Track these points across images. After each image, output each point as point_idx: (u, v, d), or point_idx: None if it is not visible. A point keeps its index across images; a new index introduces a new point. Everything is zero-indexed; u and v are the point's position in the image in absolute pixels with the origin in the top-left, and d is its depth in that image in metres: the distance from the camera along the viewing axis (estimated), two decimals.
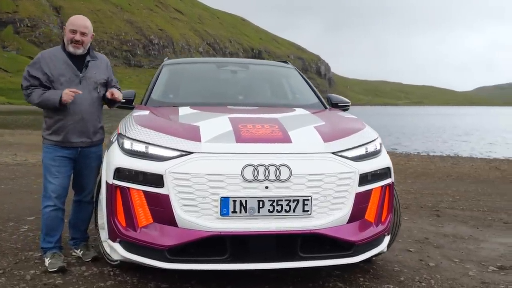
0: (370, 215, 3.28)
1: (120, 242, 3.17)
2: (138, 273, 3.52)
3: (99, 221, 3.88)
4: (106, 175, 3.27)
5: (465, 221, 5.54)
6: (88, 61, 3.76)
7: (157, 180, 3.00)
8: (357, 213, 3.18)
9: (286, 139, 3.17)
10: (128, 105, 4.22)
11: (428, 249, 4.38)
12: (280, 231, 2.99)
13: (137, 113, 3.72)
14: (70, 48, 3.68)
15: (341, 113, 4.17)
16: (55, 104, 3.51)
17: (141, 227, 3.07)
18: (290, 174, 2.98)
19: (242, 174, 2.94)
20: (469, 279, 3.65)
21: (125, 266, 3.53)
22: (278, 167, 2.97)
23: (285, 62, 5.42)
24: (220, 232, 2.94)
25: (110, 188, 3.16)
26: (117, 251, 3.19)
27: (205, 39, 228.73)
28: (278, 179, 2.96)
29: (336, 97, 4.70)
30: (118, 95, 3.82)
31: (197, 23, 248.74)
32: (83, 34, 3.67)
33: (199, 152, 3.02)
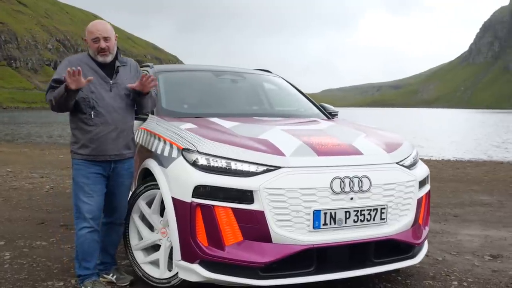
0: (421, 219, 3.56)
1: (200, 263, 3.02)
2: None
3: (132, 242, 3.63)
4: (177, 193, 3.07)
5: None
6: (118, 66, 3.48)
7: (247, 196, 2.93)
8: (416, 218, 3.43)
9: (358, 151, 3.30)
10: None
11: None
12: (363, 239, 3.13)
13: (185, 125, 3.53)
14: (99, 58, 3.38)
15: (361, 123, 4.39)
16: (64, 89, 3.13)
17: (228, 245, 2.97)
18: (370, 185, 3.13)
19: (331, 187, 3.01)
20: (481, 269, 4.11)
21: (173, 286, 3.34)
22: (360, 178, 3.10)
23: (268, 71, 5.49)
24: (313, 245, 2.99)
25: (189, 207, 2.99)
26: (197, 272, 3.02)
27: (54, 35, 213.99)
28: (361, 190, 3.09)
29: (329, 106, 4.96)
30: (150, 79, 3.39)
31: (44, 17, 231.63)
32: (106, 39, 3.37)
33: (287, 167, 3.02)
